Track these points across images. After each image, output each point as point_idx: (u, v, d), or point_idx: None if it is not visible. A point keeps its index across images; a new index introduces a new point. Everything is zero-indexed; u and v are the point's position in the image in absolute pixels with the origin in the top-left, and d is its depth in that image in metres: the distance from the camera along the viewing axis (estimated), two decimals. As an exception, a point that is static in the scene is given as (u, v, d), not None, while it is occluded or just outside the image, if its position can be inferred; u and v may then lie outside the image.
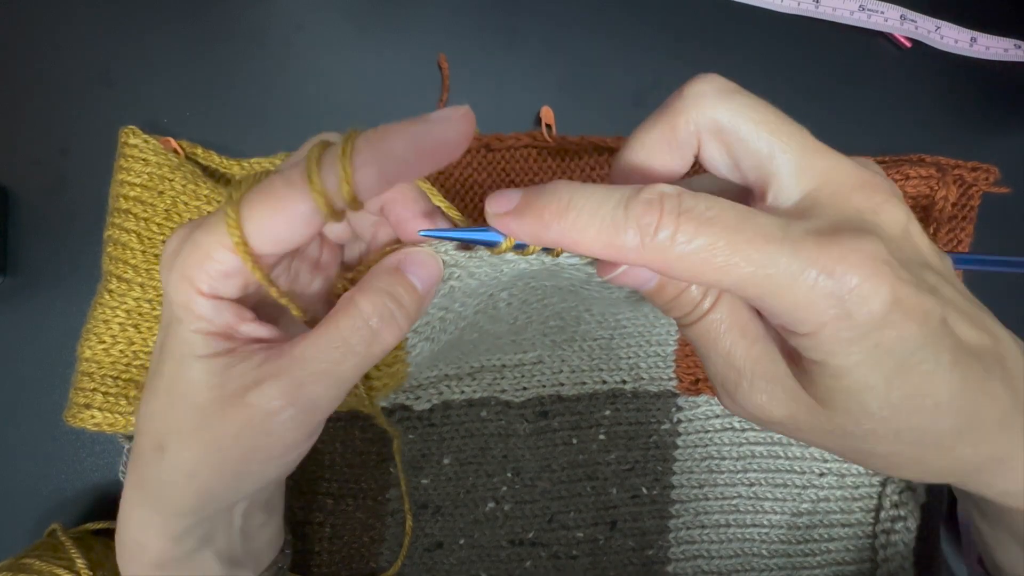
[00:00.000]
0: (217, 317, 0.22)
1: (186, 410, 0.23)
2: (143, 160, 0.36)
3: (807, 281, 0.18)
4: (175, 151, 0.38)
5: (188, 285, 0.22)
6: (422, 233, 0.24)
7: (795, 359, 0.22)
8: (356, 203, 0.21)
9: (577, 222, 0.20)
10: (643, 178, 0.22)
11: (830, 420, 0.21)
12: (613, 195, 0.20)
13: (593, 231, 0.20)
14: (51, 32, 0.42)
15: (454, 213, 0.25)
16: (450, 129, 0.21)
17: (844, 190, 0.21)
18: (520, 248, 0.24)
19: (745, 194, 0.22)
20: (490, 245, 0.24)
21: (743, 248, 0.19)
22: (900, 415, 0.20)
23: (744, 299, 0.20)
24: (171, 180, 0.36)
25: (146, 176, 0.36)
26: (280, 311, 0.26)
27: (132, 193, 0.36)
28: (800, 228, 0.19)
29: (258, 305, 0.25)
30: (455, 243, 0.25)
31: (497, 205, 0.22)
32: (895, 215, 0.21)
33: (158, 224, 0.36)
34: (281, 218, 0.21)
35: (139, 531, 0.26)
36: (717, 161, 0.22)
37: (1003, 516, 0.27)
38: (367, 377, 0.29)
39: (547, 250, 0.24)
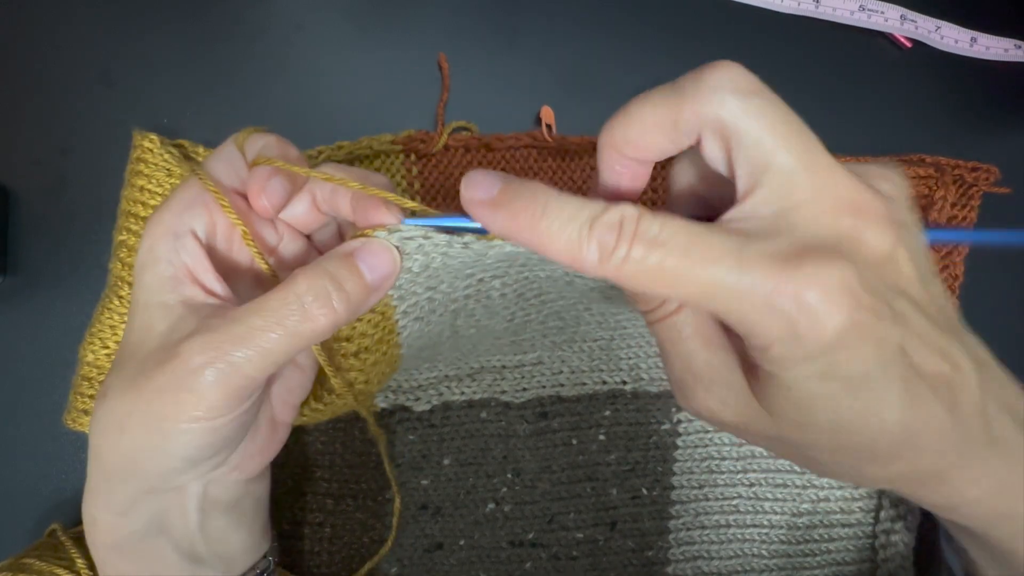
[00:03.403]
0: (176, 257, 0.25)
1: (132, 359, 0.24)
2: (167, 171, 0.36)
3: (757, 299, 0.19)
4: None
5: (154, 226, 0.25)
6: (406, 223, 0.25)
7: (751, 370, 0.22)
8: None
9: (548, 231, 0.21)
10: (633, 151, 0.23)
11: (778, 429, 0.22)
12: (583, 211, 0.21)
13: (561, 243, 0.21)
14: (51, 32, 0.42)
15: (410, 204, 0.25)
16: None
17: (829, 211, 0.20)
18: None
19: (729, 186, 0.22)
20: (477, 232, 0.24)
21: (690, 268, 0.20)
22: (843, 432, 0.21)
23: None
24: None
25: (168, 186, 0.36)
26: (249, 286, 0.28)
27: (153, 202, 0.36)
28: (756, 248, 0.19)
29: (230, 275, 0.27)
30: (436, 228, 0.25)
31: (474, 191, 0.22)
32: (879, 240, 0.20)
33: None
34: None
35: (90, 504, 0.26)
36: (714, 156, 0.22)
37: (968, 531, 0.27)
38: (343, 367, 0.29)
39: None
